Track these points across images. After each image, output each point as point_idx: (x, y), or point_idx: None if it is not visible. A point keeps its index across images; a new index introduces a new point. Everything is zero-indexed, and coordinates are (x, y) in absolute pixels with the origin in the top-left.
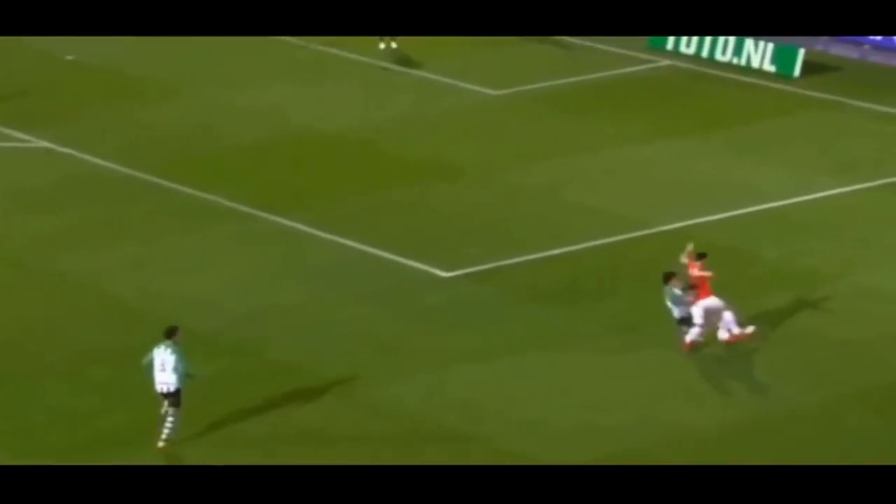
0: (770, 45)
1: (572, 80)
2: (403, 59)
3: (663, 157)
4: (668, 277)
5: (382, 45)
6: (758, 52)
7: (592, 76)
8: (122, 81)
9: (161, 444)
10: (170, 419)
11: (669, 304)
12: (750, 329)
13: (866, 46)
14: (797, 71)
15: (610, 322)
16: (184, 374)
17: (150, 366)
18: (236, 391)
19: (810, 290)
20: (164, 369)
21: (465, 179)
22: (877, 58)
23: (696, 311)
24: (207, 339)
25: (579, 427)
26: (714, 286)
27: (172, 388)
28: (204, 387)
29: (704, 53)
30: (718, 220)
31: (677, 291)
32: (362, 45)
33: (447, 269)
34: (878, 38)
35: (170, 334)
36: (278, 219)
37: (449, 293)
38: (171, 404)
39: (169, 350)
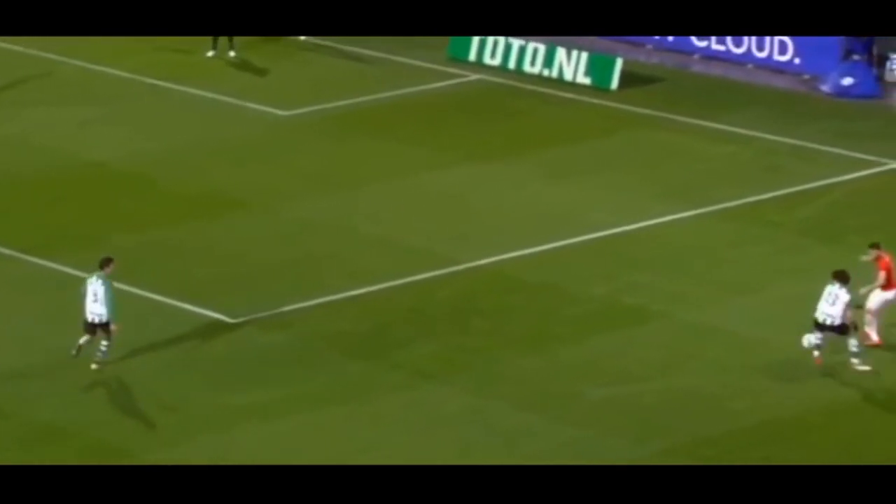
0: (584, 55)
1: (371, 97)
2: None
3: (473, 184)
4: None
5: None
6: (571, 63)
7: (393, 93)
8: None
9: (94, 366)
10: (103, 343)
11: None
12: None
13: (696, 56)
14: (615, 83)
15: (416, 370)
16: (112, 309)
17: (84, 295)
18: None
19: (638, 330)
20: (96, 300)
21: (251, 213)
22: (702, 68)
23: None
24: None
25: None
26: (533, 328)
27: (103, 319)
28: None
29: (511, 65)
30: (536, 253)
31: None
32: (132, 61)
33: (232, 315)
34: (703, 46)
35: (102, 265)
36: (38, 261)
37: (235, 342)
38: (103, 336)
39: (100, 281)
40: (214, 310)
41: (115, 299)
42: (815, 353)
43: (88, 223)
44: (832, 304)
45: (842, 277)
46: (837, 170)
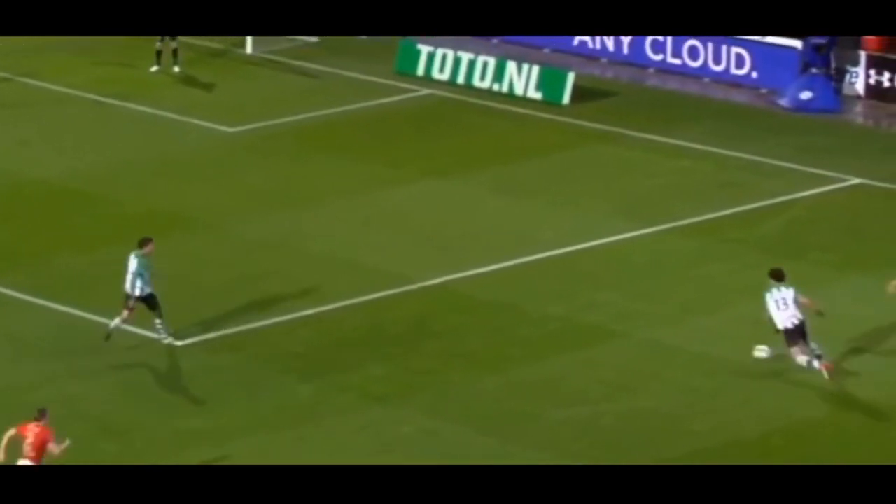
0: (535, 69)
1: (321, 113)
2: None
3: (426, 201)
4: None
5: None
6: (521, 77)
7: (342, 109)
8: None
9: (169, 340)
10: (157, 322)
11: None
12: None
13: (651, 70)
14: (566, 98)
15: (369, 392)
16: (146, 280)
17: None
18: None
19: (596, 350)
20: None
21: (198, 232)
22: (657, 82)
23: None
24: None
25: None
26: (488, 349)
27: (145, 293)
28: None
29: (460, 79)
30: (491, 271)
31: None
32: (75, 77)
33: (180, 337)
34: (659, 59)
35: (141, 245)
36: None
37: (182, 365)
38: (150, 308)
39: (136, 260)
40: (161, 332)
41: (142, 276)
42: (816, 363)
43: (31, 242)
44: (786, 307)
45: (778, 276)
46: (797, 185)
